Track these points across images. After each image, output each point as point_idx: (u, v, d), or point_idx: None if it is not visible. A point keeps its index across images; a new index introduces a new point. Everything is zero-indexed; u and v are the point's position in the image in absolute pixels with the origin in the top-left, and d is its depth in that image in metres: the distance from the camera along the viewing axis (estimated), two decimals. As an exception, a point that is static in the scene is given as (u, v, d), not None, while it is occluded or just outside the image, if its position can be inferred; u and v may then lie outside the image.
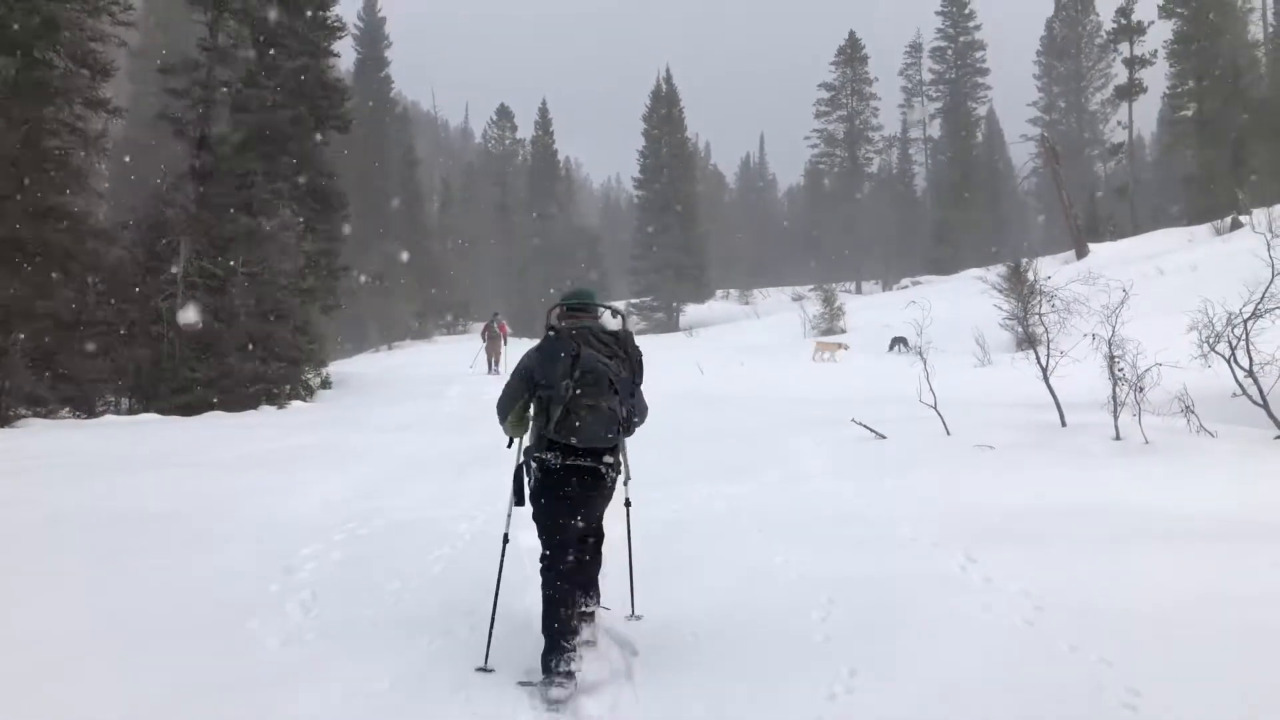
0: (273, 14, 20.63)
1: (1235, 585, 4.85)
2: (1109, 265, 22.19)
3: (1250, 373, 9.83)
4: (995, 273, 19.52)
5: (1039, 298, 11.83)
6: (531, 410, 4.30)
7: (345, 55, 47.79)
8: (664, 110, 58.93)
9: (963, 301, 21.57)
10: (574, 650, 4.00)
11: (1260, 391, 9.75)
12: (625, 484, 4.74)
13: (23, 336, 14.50)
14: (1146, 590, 4.79)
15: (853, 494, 7.71)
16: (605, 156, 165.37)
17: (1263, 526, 6.20)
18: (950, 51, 67.57)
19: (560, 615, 4.05)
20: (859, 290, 56.32)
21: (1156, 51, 48.68)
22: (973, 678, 3.83)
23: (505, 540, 4.57)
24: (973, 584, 5.09)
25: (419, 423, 13.82)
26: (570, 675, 3.95)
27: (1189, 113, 45.95)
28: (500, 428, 4.51)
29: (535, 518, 4.26)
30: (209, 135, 18.78)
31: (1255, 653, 4.00)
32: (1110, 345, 9.87)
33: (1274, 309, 9.78)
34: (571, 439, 4.06)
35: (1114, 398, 9.65)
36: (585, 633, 4.18)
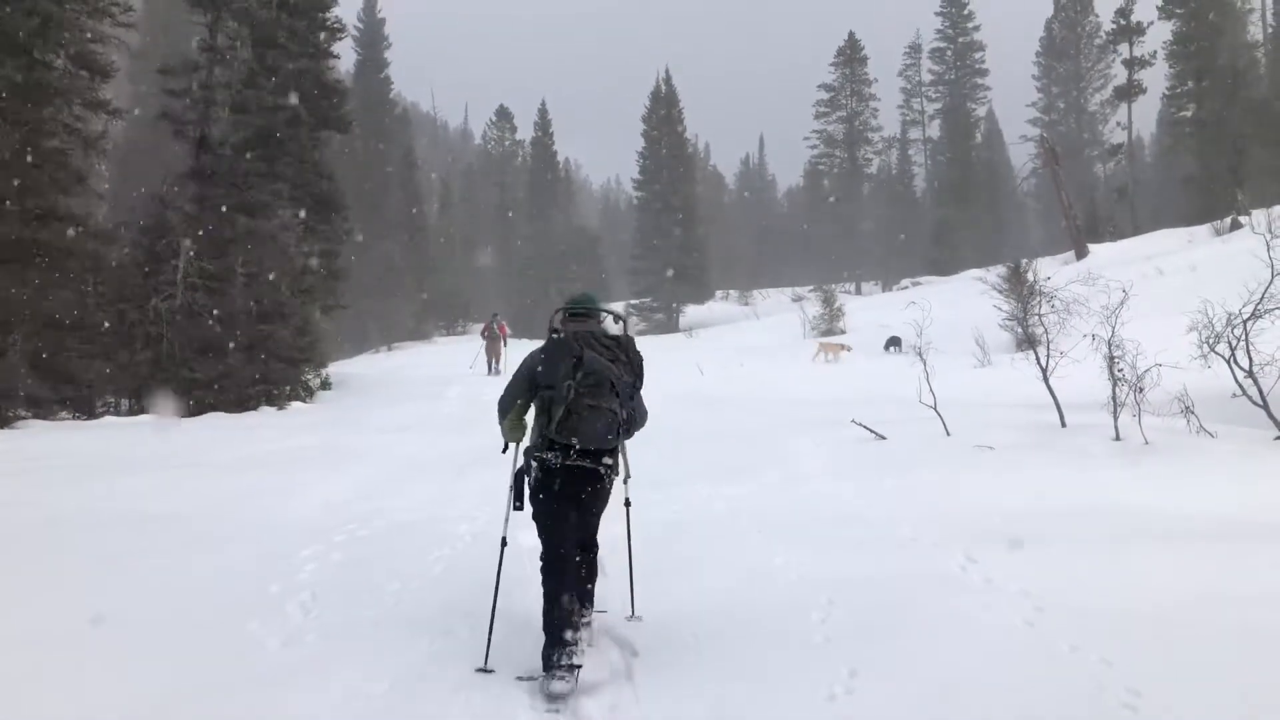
0: (272, 15, 20.65)
1: (1235, 585, 4.85)
2: (1109, 266, 22.18)
3: (1250, 373, 9.83)
4: (995, 273, 19.52)
5: (1039, 298, 11.84)
6: (532, 412, 4.38)
7: (345, 56, 47.80)
8: (663, 111, 58.92)
9: (962, 302, 21.57)
10: (575, 645, 4.03)
11: (1260, 392, 9.75)
12: (625, 483, 4.78)
13: (22, 338, 14.51)
14: (1146, 590, 4.79)
15: (853, 495, 7.71)
16: (605, 157, 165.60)
17: (1262, 527, 6.20)
18: (949, 52, 67.58)
19: (561, 611, 4.09)
20: (859, 291, 56.31)
21: (1156, 52, 48.73)
22: (973, 678, 3.84)
23: (504, 543, 4.60)
24: (973, 584, 5.09)
25: (419, 424, 13.82)
26: (572, 669, 3.97)
27: (1188, 113, 45.95)
28: (499, 429, 4.56)
29: (535, 517, 4.32)
30: (209, 136, 18.79)
31: (1255, 653, 4.00)
32: (1110, 346, 9.87)
33: (1273, 309, 9.78)
34: (573, 439, 4.13)
35: (1114, 398, 9.65)
36: (584, 635, 4.21)
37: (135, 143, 28.70)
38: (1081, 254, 33.91)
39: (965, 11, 66.87)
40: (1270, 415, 9.59)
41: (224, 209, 18.36)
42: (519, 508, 4.33)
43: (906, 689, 3.78)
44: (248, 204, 18.82)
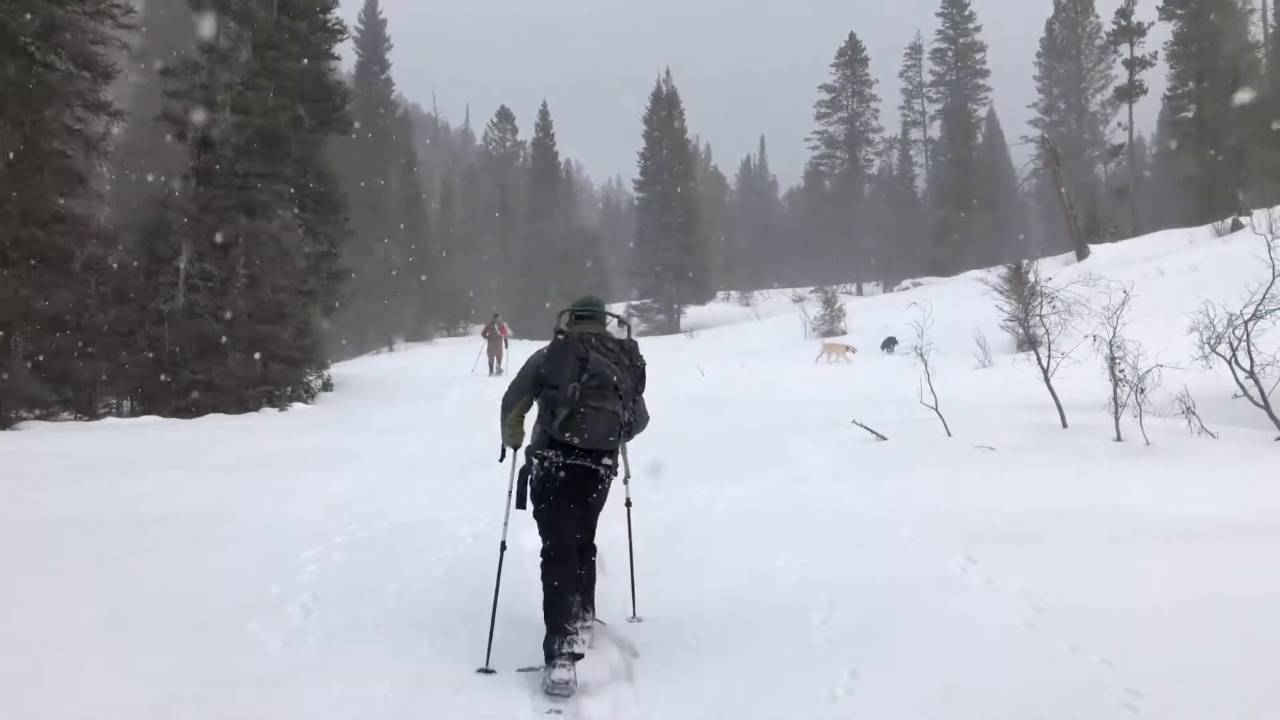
0: (273, 17, 20.66)
1: (1236, 586, 4.84)
2: (1109, 266, 22.17)
3: (1251, 374, 9.82)
4: (996, 274, 19.51)
5: (1040, 299, 11.83)
6: (535, 410, 4.44)
7: (346, 58, 47.80)
8: (664, 111, 58.90)
9: (963, 303, 21.55)
10: (576, 634, 4.08)
11: (1261, 393, 9.74)
12: (625, 482, 4.82)
13: (23, 339, 14.52)
14: (1147, 591, 4.79)
15: (853, 495, 7.71)
16: (605, 158, 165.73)
17: (1263, 527, 6.19)
18: (950, 53, 67.55)
19: (561, 603, 4.15)
20: (860, 292, 56.28)
21: (1157, 53, 48.66)
22: (973, 678, 3.84)
23: (503, 547, 4.63)
24: (973, 585, 5.09)
25: (420, 425, 13.83)
26: (573, 657, 4.01)
27: (1189, 114, 45.92)
28: (500, 430, 4.60)
29: (536, 515, 4.38)
30: (210, 137, 18.80)
31: (1255, 653, 4.00)
32: (1111, 346, 9.86)
33: (1275, 310, 9.76)
34: (574, 439, 4.20)
35: (1115, 399, 9.64)
36: (584, 636, 4.24)
37: (136, 144, 28.71)
38: (1082, 254, 33.89)
39: (966, 12, 66.85)
40: (1271, 416, 9.59)
41: (225, 210, 18.38)
42: (521, 506, 4.39)
43: (907, 689, 3.78)
44: (249, 205, 18.83)
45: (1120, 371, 9.73)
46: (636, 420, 4.39)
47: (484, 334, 24.92)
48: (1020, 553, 5.58)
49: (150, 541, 6.40)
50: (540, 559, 4.36)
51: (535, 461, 4.31)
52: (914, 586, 5.01)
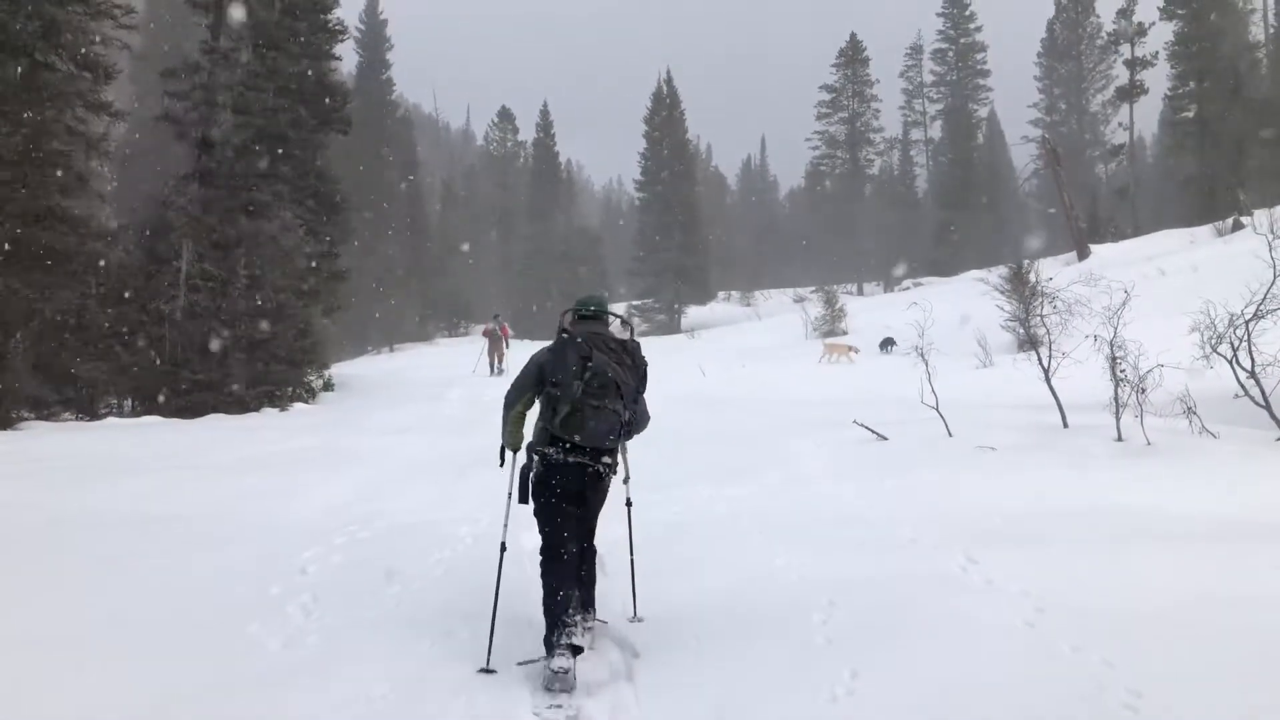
0: (274, 17, 20.67)
1: (1236, 586, 4.84)
2: (1110, 266, 22.17)
3: (1252, 374, 9.82)
4: (996, 274, 19.49)
5: (1040, 299, 11.82)
6: (536, 407, 4.49)
7: (347, 58, 47.89)
8: (665, 112, 58.94)
9: (964, 303, 21.53)
10: (575, 626, 4.11)
11: (1262, 393, 9.74)
12: (625, 483, 4.83)
13: (24, 339, 14.52)
14: (1148, 591, 4.79)
15: (854, 496, 7.70)
16: (606, 158, 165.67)
17: (1264, 527, 6.19)
18: (951, 53, 67.56)
19: (560, 597, 4.18)
20: (860, 292, 56.28)
21: (1157, 53, 48.63)
22: (974, 679, 3.83)
23: (503, 548, 4.64)
24: (974, 585, 5.08)
25: (420, 425, 13.82)
26: (573, 649, 4.03)
27: (1190, 114, 45.89)
28: (500, 429, 4.61)
29: (536, 513, 4.43)
30: (210, 138, 18.81)
31: (1256, 653, 3.99)
32: (1112, 346, 9.85)
33: (1276, 310, 9.76)
34: (575, 437, 4.26)
35: (1116, 399, 9.63)
36: (585, 635, 4.26)
37: (137, 144, 28.74)
38: (1083, 254, 33.87)
39: (967, 12, 66.86)
40: (1272, 416, 9.58)
41: (226, 210, 18.39)
42: (524, 501, 4.43)
43: (908, 690, 3.78)
44: (249, 205, 18.84)
45: (1121, 371, 9.72)
46: (637, 420, 4.44)
47: (484, 334, 24.94)
48: (1021, 553, 5.58)
49: (150, 542, 6.40)
50: (539, 556, 4.40)
51: (536, 458, 4.36)
52: (914, 587, 5.01)
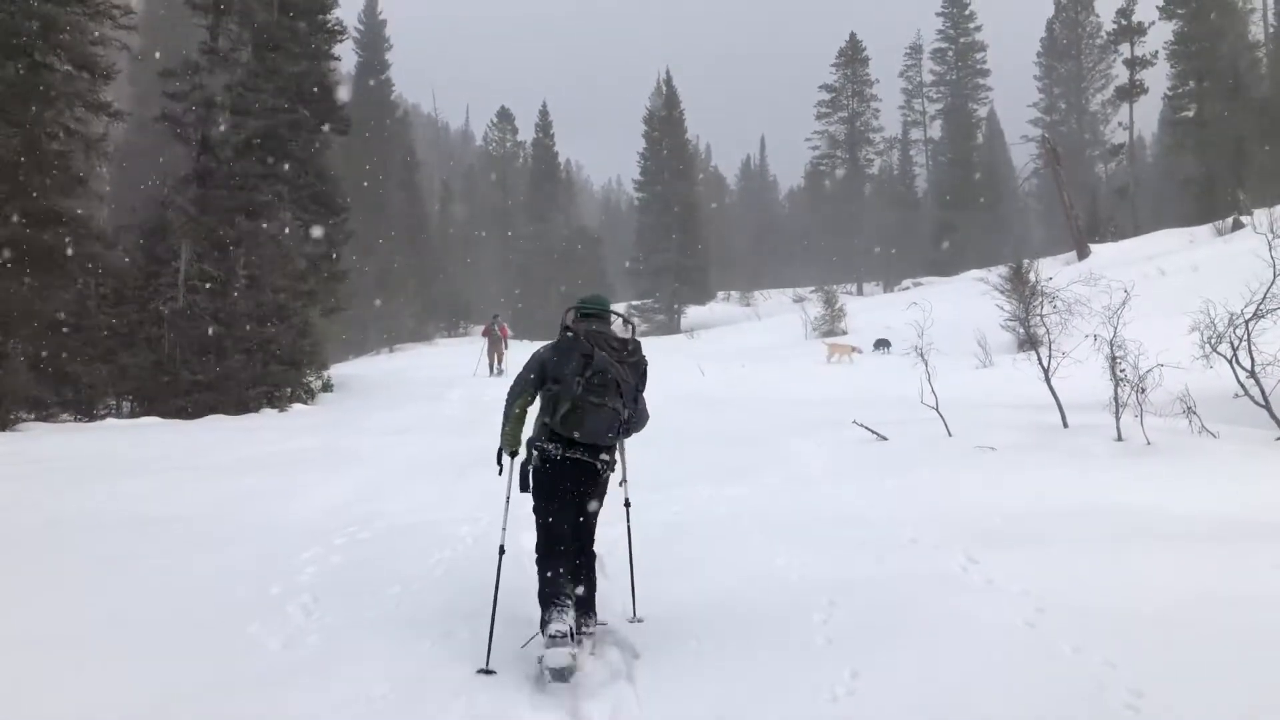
0: (273, 17, 20.66)
1: (1237, 586, 4.84)
2: (1110, 266, 22.18)
3: (1252, 373, 9.82)
4: (996, 274, 19.49)
5: (1040, 299, 11.82)
6: (537, 404, 4.53)
7: (346, 59, 47.78)
8: (664, 112, 58.94)
9: (964, 303, 21.55)
10: (568, 610, 4.17)
11: (1262, 392, 9.73)
12: (622, 484, 4.84)
13: (23, 340, 14.51)
14: (1148, 591, 4.78)
15: (854, 496, 7.70)
16: (606, 158, 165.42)
17: (1264, 527, 6.18)
18: (951, 53, 67.51)
19: (553, 586, 4.25)
20: (860, 291, 56.28)
21: (1157, 52, 48.67)
22: (975, 679, 3.83)
23: (501, 551, 4.64)
24: (974, 585, 5.08)
25: (420, 425, 13.81)
26: (565, 633, 4.07)
27: (1190, 114, 45.91)
28: (501, 429, 4.61)
29: (535, 508, 4.48)
30: (209, 138, 18.80)
31: (1256, 653, 3.99)
32: (1112, 346, 9.85)
33: (1276, 309, 9.76)
34: (575, 433, 4.31)
35: (1116, 399, 9.63)
36: (585, 644, 4.31)
37: (136, 145, 28.74)
38: (1083, 254, 33.88)
39: (966, 12, 66.81)
40: (1272, 415, 9.58)
41: (225, 211, 18.38)
42: (524, 489, 4.47)
43: (908, 690, 3.78)
44: (248, 206, 18.83)
45: (1121, 371, 9.72)
46: (636, 418, 4.50)
47: (484, 334, 24.93)
48: (1021, 553, 5.57)
49: (150, 542, 6.40)
50: (535, 552, 4.45)
51: (535, 454, 4.41)
52: (915, 586, 5.01)
